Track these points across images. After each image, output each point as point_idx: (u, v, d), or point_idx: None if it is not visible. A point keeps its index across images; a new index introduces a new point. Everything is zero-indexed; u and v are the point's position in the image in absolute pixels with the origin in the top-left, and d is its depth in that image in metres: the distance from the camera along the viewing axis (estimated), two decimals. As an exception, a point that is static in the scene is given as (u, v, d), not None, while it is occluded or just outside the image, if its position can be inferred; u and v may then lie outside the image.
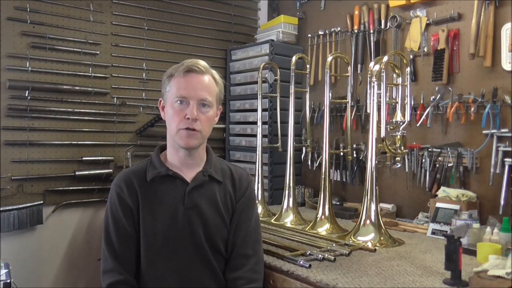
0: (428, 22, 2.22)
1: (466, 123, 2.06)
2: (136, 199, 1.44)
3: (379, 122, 1.87)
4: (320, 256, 1.57)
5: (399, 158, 1.97)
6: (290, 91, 2.30)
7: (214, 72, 1.50)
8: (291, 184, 2.27)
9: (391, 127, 1.94)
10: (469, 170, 2.05)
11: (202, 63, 1.47)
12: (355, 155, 2.52)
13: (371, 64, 1.96)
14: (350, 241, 1.78)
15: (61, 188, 2.45)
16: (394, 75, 2.03)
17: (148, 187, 1.45)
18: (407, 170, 2.27)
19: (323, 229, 2.02)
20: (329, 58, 2.17)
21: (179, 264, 1.42)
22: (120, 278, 1.38)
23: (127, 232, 1.42)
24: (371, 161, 1.87)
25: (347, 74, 2.32)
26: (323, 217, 2.06)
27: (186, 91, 1.42)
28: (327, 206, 2.07)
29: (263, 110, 2.59)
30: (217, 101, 1.50)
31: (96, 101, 2.56)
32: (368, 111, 2.02)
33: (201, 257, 1.44)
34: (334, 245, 1.73)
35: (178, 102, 1.42)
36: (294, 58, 2.30)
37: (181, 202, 1.44)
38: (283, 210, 2.25)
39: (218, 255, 1.47)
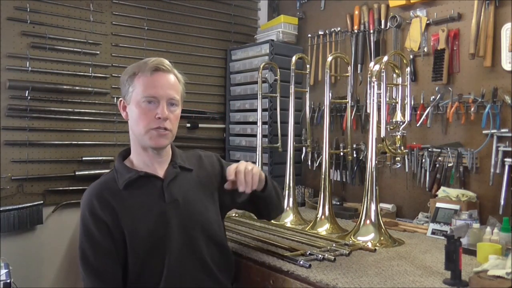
0: (428, 22, 2.22)
1: (466, 123, 2.06)
2: (112, 211, 1.38)
3: (379, 122, 1.87)
4: (320, 256, 1.56)
5: (399, 158, 1.97)
6: (290, 91, 2.30)
7: (176, 70, 1.49)
8: (291, 184, 2.27)
9: (391, 127, 1.94)
10: (469, 170, 2.05)
11: (167, 61, 1.45)
12: (355, 155, 2.52)
13: (371, 64, 1.96)
14: (350, 241, 1.78)
15: (61, 188, 2.45)
16: (394, 75, 2.03)
17: (123, 196, 1.41)
18: (407, 170, 2.27)
19: (323, 229, 2.02)
20: (329, 58, 2.17)
21: (171, 262, 1.40)
22: None
23: (106, 249, 1.37)
24: (371, 161, 1.87)
25: (347, 74, 2.32)
26: (323, 217, 2.06)
27: (155, 90, 1.39)
28: (327, 206, 2.07)
29: (263, 110, 2.59)
30: (181, 100, 1.49)
31: (96, 101, 2.56)
32: (368, 111, 2.02)
33: (193, 250, 1.44)
34: (334, 245, 1.73)
35: (147, 101, 1.39)
36: (294, 58, 2.30)
37: (161, 199, 1.43)
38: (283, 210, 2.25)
39: (211, 243, 1.48)
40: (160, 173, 1.47)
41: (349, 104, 2.29)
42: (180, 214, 1.43)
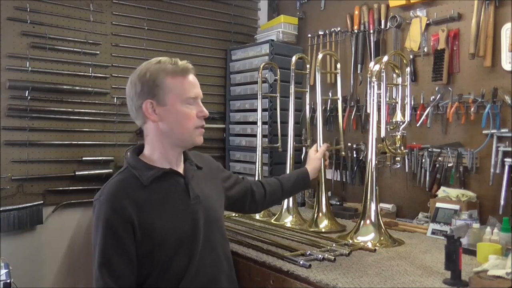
0: (428, 22, 2.22)
1: (466, 123, 2.06)
2: (139, 207, 1.35)
3: (379, 122, 1.87)
4: (320, 256, 1.57)
5: (399, 158, 1.97)
6: (290, 91, 2.30)
7: None
8: (291, 184, 2.27)
9: (391, 127, 1.94)
10: (469, 170, 2.05)
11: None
12: (355, 155, 2.52)
13: (371, 64, 1.96)
14: (350, 241, 1.78)
15: (61, 188, 2.45)
16: (394, 75, 2.03)
17: (149, 191, 1.39)
18: (407, 170, 2.27)
19: (323, 225, 2.05)
20: (319, 56, 2.17)
21: (196, 258, 1.40)
22: None
23: (130, 251, 1.32)
24: (371, 161, 1.87)
25: (337, 71, 2.32)
26: (320, 214, 2.08)
27: (195, 90, 1.46)
28: (324, 203, 2.09)
29: (263, 110, 2.59)
30: None
31: (96, 101, 2.56)
32: (368, 111, 2.02)
33: (212, 246, 1.46)
34: (334, 245, 1.73)
35: (190, 102, 1.44)
36: (294, 58, 2.30)
37: (187, 195, 1.44)
38: (283, 210, 2.25)
39: (223, 238, 1.54)
40: (180, 170, 1.50)
41: (340, 100, 2.28)
42: (203, 211, 1.46)
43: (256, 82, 2.63)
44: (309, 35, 2.84)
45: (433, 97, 2.17)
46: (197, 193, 1.47)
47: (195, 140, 1.47)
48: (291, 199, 2.25)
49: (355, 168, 2.53)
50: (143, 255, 1.35)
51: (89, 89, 2.52)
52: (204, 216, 1.45)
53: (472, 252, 1.60)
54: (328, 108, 2.68)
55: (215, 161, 1.72)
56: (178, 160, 1.50)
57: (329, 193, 2.66)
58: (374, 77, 1.89)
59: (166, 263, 1.37)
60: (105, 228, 1.33)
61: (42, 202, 2.37)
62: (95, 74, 2.55)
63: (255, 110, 2.67)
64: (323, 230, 2.02)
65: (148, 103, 1.41)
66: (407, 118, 1.94)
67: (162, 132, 1.44)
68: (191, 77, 1.48)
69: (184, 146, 1.50)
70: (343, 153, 2.39)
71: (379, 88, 1.87)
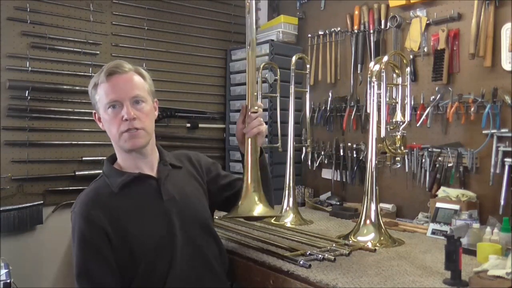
0: (428, 22, 2.22)
1: (466, 123, 2.06)
2: (111, 216, 1.36)
3: (379, 122, 1.87)
4: (320, 256, 1.56)
5: (399, 158, 1.97)
6: (290, 91, 2.30)
7: (138, 67, 1.49)
8: (291, 184, 2.27)
9: (391, 127, 1.94)
10: (469, 170, 2.05)
11: (123, 63, 1.46)
12: (355, 155, 2.52)
13: (371, 64, 1.96)
14: (350, 241, 1.78)
15: (61, 188, 2.45)
16: (394, 75, 2.03)
17: (120, 198, 1.40)
18: (407, 170, 2.27)
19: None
20: (293, 59, 2.28)
21: (177, 261, 1.40)
22: None
23: (108, 259, 1.34)
24: (371, 161, 1.87)
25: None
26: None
27: (115, 94, 1.39)
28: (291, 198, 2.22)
29: (263, 110, 2.58)
30: (150, 95, 1.49)
31: (96, 101, 2.56)
32: (368, 111, 2.02)
33: (194, 246, 1.45)
34: (334, 245, 1.72)
35: (111, 107, 1.40)
36: (294, 58, 2.30)
37: (159, 197, 1.43)
38: (283, 210, 2.25)
39: (209, 237, 1.51)
40: (152, 173, 1.48)
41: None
42: (179, 211, 1.44)
43: (256, 82, 2.63)
44: (309, 35, 2.84)
45: (433, 97, 2.17)
46: (173, 194, 1.45)
47: (126, 145, 1.41)
48: (291, 199, 2.25)
49: (355, 168, 2.53)
50: (124, 261, 1.36)
51: (89, 89, 2.52)
52: (180, 216, 1.43)
53: (472, 252, 1.60)
54: (328, 108, 2.68)
55: (208, 159, 1.69)
56: (143, 163, 1.47)
57: (329, 193, 2.68)
58: (374, 77, 1.89)
59: (148, 266, 1.37)
60: (80, 240, 1.35)
61: (42, 202, 2.37)
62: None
63: (255, 110, 2.66)
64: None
65: (94, 114, 1.49)
66: (407, 118, 1.94)
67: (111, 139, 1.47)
68: (114, 80, 1.41)
69: (127, 151, 1.44)
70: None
71: (379, 88, 1.87)
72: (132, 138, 1.40)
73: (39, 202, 2.36)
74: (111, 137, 1.45)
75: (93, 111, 1.49)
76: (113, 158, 1.52)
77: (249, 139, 1.53)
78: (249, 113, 1.54)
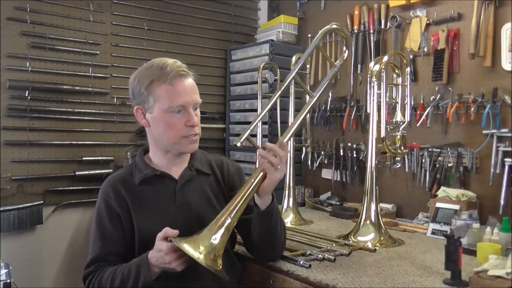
0: (428, 22, 2.22)
1: (466, 123, 2.06)
2: (125, 204, 1.42)
3: (379, 122, 1.87)
4: (320, 256, 1.56)
5: (399, 158, 1.97)
6: (290, 91, 2.30)
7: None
8: (291, 184, 2.27)
9: (391, 127, 1.94)
10: (469, 170, 2.05)
11: (181, 64, 1.43)
12: (355, 155, 2.52)
13: (371, 64, 1.96)
14: (350, 241, 1.78)
15: (61, 188, 2.45)
16: (394, 75, 2.03)
17: (137, 191, 1.44)
18: (407, 170, 2.27)
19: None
20: (293, 59, 2.31)
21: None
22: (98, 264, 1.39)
23: (114, 239, 1.41)
24: (371, 161, 1.87)
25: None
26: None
27: (183, 99, 1.37)
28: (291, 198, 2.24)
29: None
30: None
31: (96, 101, 2.56)
32: (368, 111, 2.02)
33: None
34: (334, 245, 1.73)
35: (177, 112, 1.38)
36: (294, 58, 2.31)
37: (172, 200, 1.43)
38: (283, 210, 2.25)
39: None
40: (176, 174, 1.47)
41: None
42: (188, 218, 1.42)
43: (256, 82, 2.63)
44: (309, 35, 2.84)
45: (433, 97, 2.17)
46: (188, 200, 1.43)
47: (183, 149, 1.42)
48: (291, 199, 2.25)
49: (355, 168, 2.53)
50: (131, 247, 1.41)
51: (89, 89, 2.52)
52: (188, 223, 1.39)
53: (472, 252, 1.60)
54: (328, 108, 2.68)
55: (240, 174, 1.58)
56: (175, 163, 1.47)
57: (329, 193, 2.68)
58: (374, 77, 1.89)
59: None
60: (96, 216, 1.45)
61: (42, 202, 2.37)
62: (95, 74, 2.55)
63: (255, 110, 2.67)
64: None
65: (138, 109, 1.43)
66: (407, 118, 1.95)
67: (154, 137, 1.46)
68: (181, 85, 1.38)
69: (175, 153, 1.45)
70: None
71: (379, 88, 1.87)
72: (191, 144, 1.42)
73: (39, 202, 2.36)
74: (163, 139, 1.41)
75: (136, 107, 1.42)
76: (145, 150, 1.53)
77: (259, 170, 1.39)
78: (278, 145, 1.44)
